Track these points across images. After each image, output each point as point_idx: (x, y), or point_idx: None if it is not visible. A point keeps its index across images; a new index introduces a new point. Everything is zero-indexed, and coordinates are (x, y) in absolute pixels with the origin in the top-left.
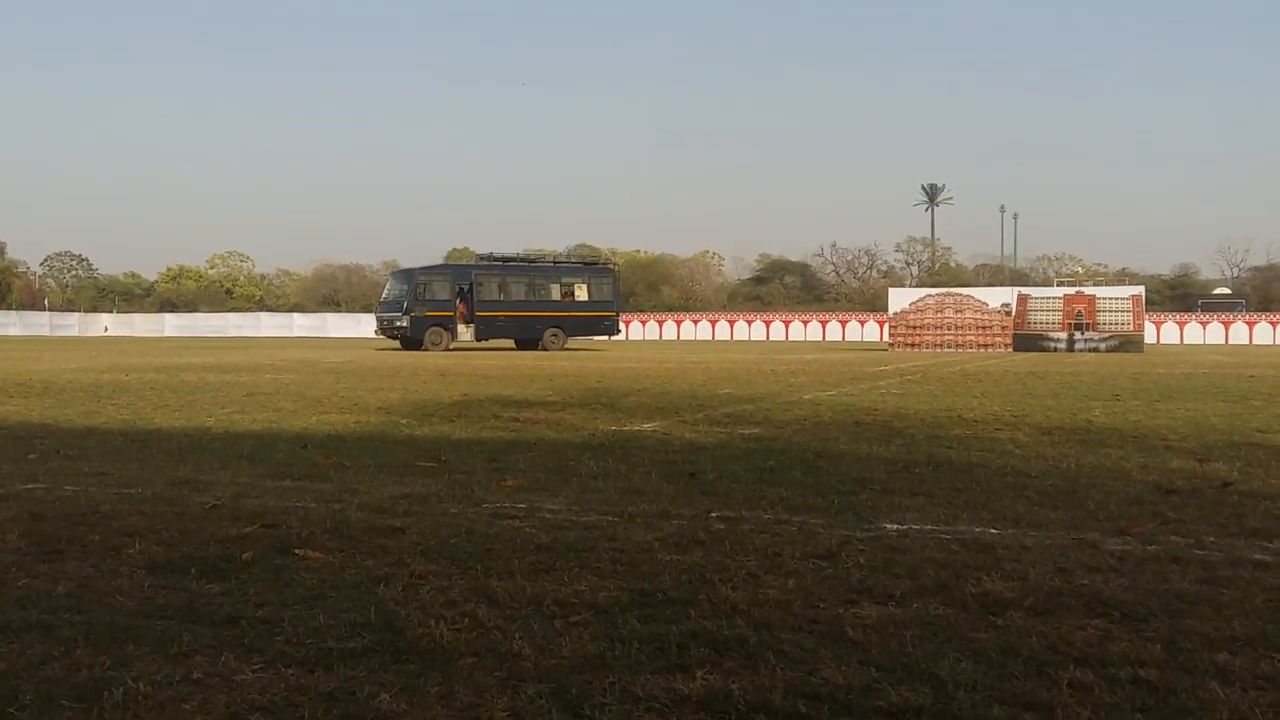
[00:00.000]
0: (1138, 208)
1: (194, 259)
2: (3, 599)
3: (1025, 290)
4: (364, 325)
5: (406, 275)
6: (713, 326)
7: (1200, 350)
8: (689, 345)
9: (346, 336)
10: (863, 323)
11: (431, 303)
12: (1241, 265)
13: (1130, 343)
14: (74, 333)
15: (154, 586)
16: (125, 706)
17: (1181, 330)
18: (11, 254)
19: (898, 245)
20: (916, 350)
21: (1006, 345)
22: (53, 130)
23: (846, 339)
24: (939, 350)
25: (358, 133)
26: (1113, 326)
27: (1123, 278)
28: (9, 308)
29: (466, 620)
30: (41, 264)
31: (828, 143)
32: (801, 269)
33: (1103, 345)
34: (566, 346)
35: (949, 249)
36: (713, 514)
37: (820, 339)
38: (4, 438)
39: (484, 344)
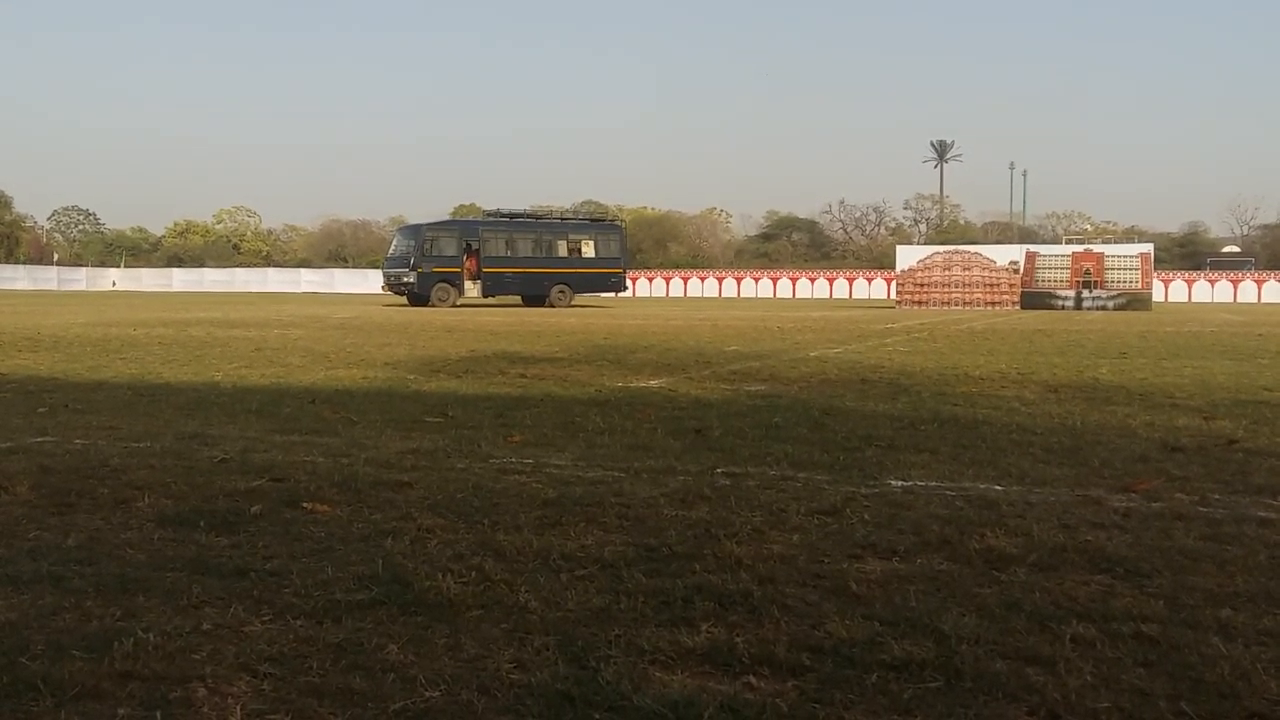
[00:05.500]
0: (1147, 165)
1: (201, 214)
2: (13, 551)
3: (1034, 248)
4: (371, 281)
5: (414, 231)
6: (720, 284)
7: (1208, 309)
8: (696, 302)
9: (353, 292)
10: (870, 280)
11: (438, 259)
12: (1251, 223)
13: (1138, 301)
14: (81, 287)
15: (163, 539)
16: (135, 657)
17: (1190, 288)
18: (19, 208)
19: (906, 202)
20: (924, 308)
21: (1014, 303)
22: (60, 84)
23: (854, 296)
24: (946, 308)
25: (364, 88)
26: (1121, 285)
27: (1131, 235)
28: (17, 262)
29: (473, 573)
30: (49, 218)
31: (836, 99)
32: (809, 226)
33: (1111, 303)
34: (573, 303)
35: (957, 206)
36: (718, 470)
37: (828, 296)
38: (13, 392)
39: (491, 300)
